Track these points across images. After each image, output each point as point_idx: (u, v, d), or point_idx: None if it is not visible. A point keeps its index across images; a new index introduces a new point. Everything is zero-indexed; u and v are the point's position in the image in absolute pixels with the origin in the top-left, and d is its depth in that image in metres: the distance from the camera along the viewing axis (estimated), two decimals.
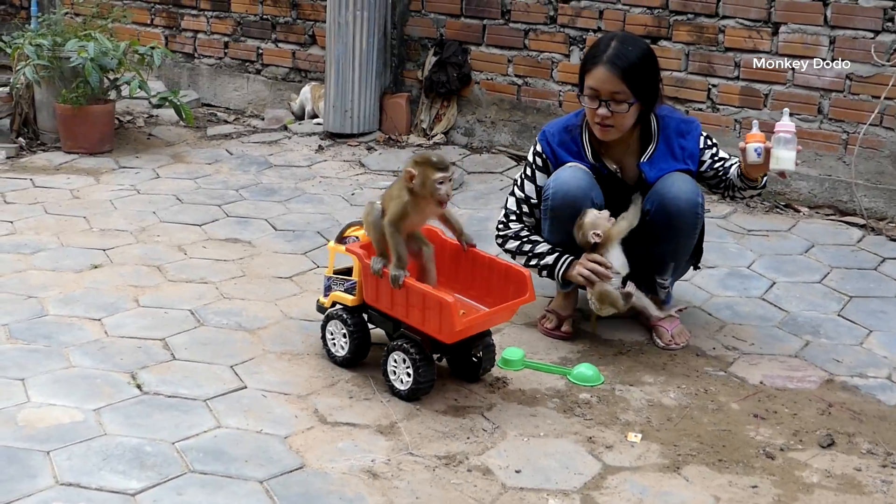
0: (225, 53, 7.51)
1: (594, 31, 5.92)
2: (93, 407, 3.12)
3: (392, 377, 3.33)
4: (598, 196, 3.70)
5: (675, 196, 3.65)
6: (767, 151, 3.49)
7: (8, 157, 6.13)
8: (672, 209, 3.66)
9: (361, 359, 3.49)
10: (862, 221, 5.27)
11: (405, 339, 3.30)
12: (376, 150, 6.45)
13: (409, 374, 3.27)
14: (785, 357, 3.80)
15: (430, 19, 6.54)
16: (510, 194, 3.91)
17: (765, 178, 3.74)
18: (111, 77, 6.34)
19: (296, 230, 4.96)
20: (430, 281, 3.37)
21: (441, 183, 3.21)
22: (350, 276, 3.49)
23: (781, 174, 3.60)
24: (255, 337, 3.72)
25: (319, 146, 6.50)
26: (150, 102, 7.00)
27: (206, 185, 5.70)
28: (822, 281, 4.54)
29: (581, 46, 5.99)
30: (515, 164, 6.17)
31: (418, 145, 6.49)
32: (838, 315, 4.16)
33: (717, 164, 3.77)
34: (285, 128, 6.92)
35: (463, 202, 5.47)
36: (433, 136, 6.57)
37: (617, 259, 3.65)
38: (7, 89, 6.55)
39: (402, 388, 3.30)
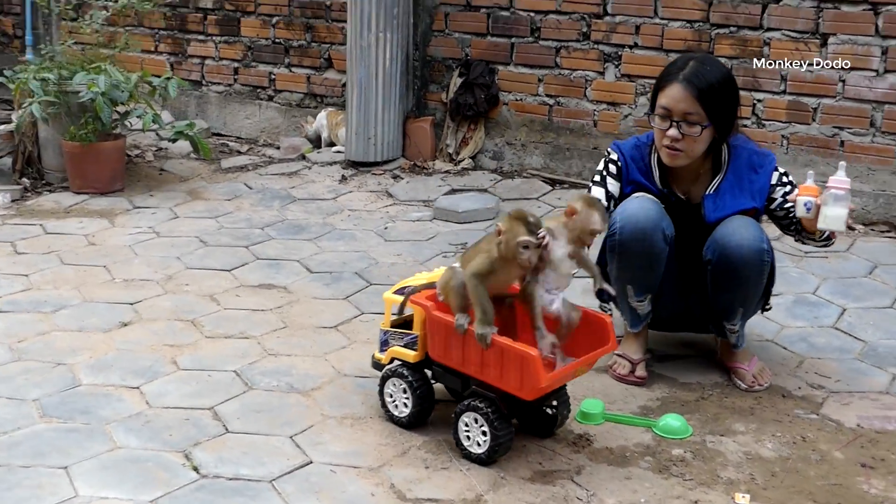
0: (235, 80, 7.21)
1: (630, 48, 5.64)
2: (149, 498, 2.79)
3: (466, 442, 3.03)
4: (668, 227, 3.43)
5: (737, 245, 3.36)
6: (818, 207, 3.24)
7: (13, 201, 5.80)
8: (736, 259, 3.37)
9: (426, 417, 3.20)
10: None
11: (478, 398, 3.00)
12: (402, 178, 6.14)
13: (485, 434, 2.97)
14: (876, 394, 3.54)
15: (455, 39, 6.25)
16: None
17: (826, 233, 3.44)
18: (120, 111, 6.01)
19: (332, 272, 4.65)
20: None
21: (526, 248, 2.90)
22: (409, 328, 3.18)
23: (831, 234, 3.40)
24: (311, 400, 3.41)
25: (343, 176, 6.19)
26: (157, 135, 6.68)
27: (228, 223, 5.38)
28: (894, 305, 4.27)
29: (616, 63, 5.71)
30: (551, 188, 5.88)
31: (446, 171, 6.20)
32: None
33: (789, 205, 3.44)
34: (303, 157, 6.61)
35: None
36: (460, 161, 6.28)
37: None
38: (9, 127, 6.23)
39: (479, 451, 3.00)
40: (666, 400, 3.47)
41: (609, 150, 3.61)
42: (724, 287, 3.44)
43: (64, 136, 5.87)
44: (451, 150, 6.32)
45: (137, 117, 6.04)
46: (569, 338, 3.05)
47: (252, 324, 4.04)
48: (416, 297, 3.13)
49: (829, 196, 3.22)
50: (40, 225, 5.35)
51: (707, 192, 3.48)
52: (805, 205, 3.27)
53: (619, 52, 5.69)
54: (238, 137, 7.21)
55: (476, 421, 2.99)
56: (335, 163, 6.42)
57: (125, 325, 4.02)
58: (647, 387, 3.56)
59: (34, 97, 5.71)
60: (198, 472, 2.93)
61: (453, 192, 5.84)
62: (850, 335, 4.00)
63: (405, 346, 3.20)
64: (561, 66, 5.91)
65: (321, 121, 6.69)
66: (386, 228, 5.30)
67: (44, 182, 6.17)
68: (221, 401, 3.38)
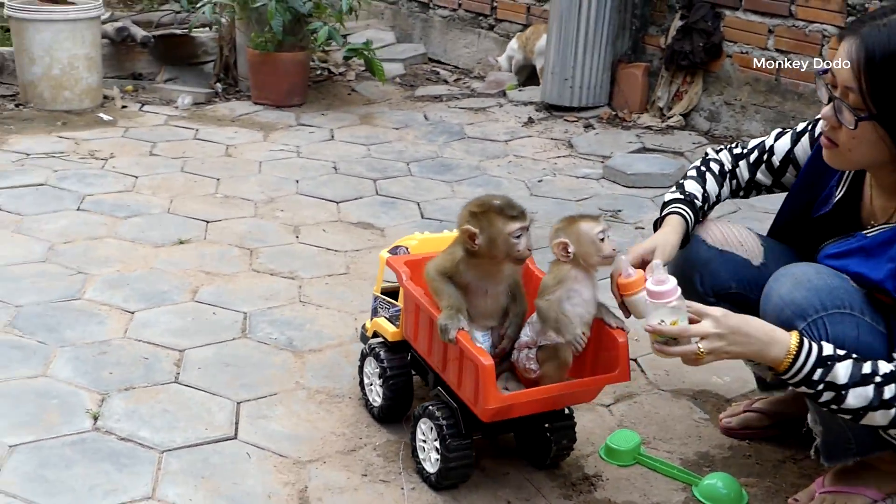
0: (459, 5, 6.66)
1: None
2: (15, 441, 2.37)
3: (421, 454, 2.36)
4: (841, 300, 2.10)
5: (773, 302, 2.10)
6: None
7: (195, 104, 5.64)
8: (770, 320, 2.07)
9: (400, 413, 2.55)
10: None
11: (438, 403, 2.31)
12: (595, 128, 5.34)
13: (437, 452, 2.28)
14: None
15: None
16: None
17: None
18: (308, 23, 5.65)
19: (444, 220, 4.02)
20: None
21: (518, 236, 2.17)
22: (398, 299, 2.53)
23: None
24: (299, 363, 2.85)
25: (530, 119, 5.49)
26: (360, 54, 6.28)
27: (377, 153, 4.89)
28: None
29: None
30: None
31: (647, 127, 5.32)
32: None
33: None
34: (504, 94, 5.97)
35: None
36: (669, 118, 5.37)
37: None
38: (215, 31, 6.09)
39: (432, 470, 2.31)
40: (736, 453, 2.58)
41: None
42: None
43: (248, 44, 5.62)
44: (661, 104, 5.42)
45: (344, 36, 5.67)
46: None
47: (311, 264, 3.53)
48: (393, 260, 2.47)
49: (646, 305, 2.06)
50: (196, 130, 5.13)
51: (841, 239, 2.19)
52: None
53: (867, 4, 4.52)
54: (455, 67, 6.68)
55: (431, 431, 2.31)
56: (531, 103, 5.73)
57: (182, 242, 3.65)
58: (730, 436, 2.66)
59: None
60: (94, 422, 2.47)
61: (643, 150, 4.98)
62: None
63: (389, 318, 2.56)
64: (796, 17, 4.81)
65: (511, 48, 6.01)
66: (540, 182, 4.57)
67: (237, 89, 5.98)
68: (199, 344, 2.90)
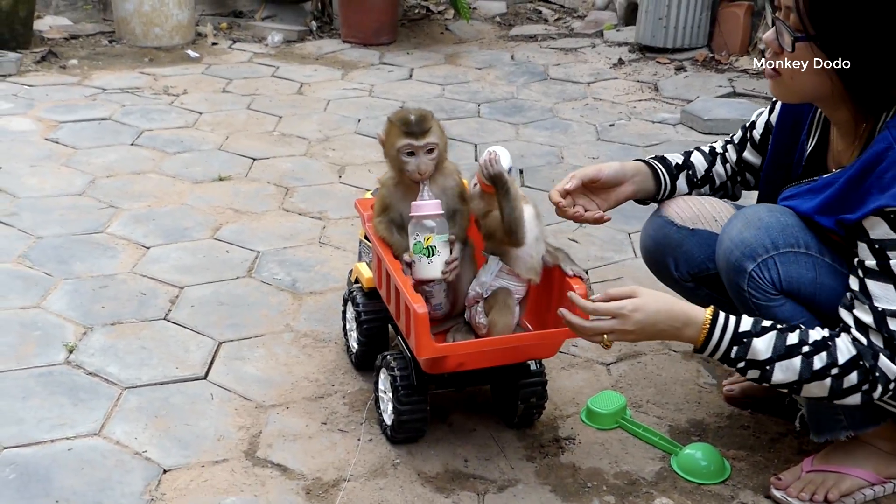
0: None
1: None
2: None
3: (381, 406, 2.26)
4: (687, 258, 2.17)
5: (723, 250, 1.96)
6: None
7: (286, 41, 5.62)
8: (721, 265, 1.98)
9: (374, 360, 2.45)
10: None
11: (395, 353, 2.20)
12: (686, 71, 5.04)
13: (391, 404, 2.18)
14: None
15: None
16: None
17: None
18: None
19: None
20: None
21: (410, 153, 2.04)
22: None
23: None
24: (296, 304, 2.79)
25: (620, 60, 5.22)
26: None
27: (450, 93, 4.75)
28: None
29: None
30: None
31: (743, 70, 4.98)
32: None
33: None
34: (601, 34, 5.70)
35: None
36: None
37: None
38: None
39: (388, 422, 2.22)
40: (733, 422, 2.36)
41: None
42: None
43: None
44: (762, 47, 5.05)
45: None
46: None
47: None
48: (361, 202, 2.36)
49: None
50: (277, 67, 5.12)
51: (799, 183, 1.99)
52: None
53: None
54: (560, 6, 6.43)
55: (387, 382, 2.21)
56: (626, 44, 5.45)
57: (221, 179, 3.64)
58: (728, 403, 2.45)
59: None
60: (67, 355, 2.47)
61: (732, 94, 4.66)
62: None
63: (369, 264, 2.46)
64: None
65: None
66: (612, 126, 4.34)
67: (331, 27, 5.93)
68: (201, 282, 2.88)
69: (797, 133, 2.07)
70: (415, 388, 2.15)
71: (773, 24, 1.87)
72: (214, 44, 5.51)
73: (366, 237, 2.52)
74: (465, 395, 2.37)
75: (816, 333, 1.80)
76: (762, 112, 2.27)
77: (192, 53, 5.29)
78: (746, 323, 1.83)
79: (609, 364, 2.58)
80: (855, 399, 1.82)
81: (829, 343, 1.80)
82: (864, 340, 1.79)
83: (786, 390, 1.86)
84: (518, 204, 2.05)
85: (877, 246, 1.76)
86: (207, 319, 2.68)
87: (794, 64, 1.83)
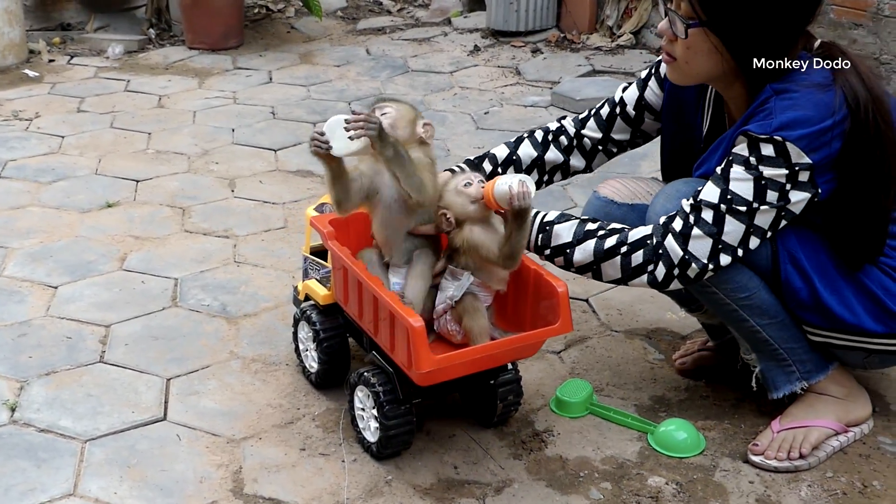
0: None
1: None
2: None
3: (360, 423, 2.23)
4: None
5: (653, 219, 2.13)
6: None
7: (127, 52, 5.39)
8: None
9: (340, 376, 2.41)
10: None
11: (374, 369, 2.17)
12: (543, 53, 5.15)
13: (375, 420, 2.15)
14: None
15: None
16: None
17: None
18: None
19: None
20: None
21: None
22: (328, 260, 2.38)
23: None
24: (233, 330, 2.71)
25: (475, 47, 5.29)
26: None
27: (317, 94, 4.69)
28: None
29: None
30: None
31: (597, 48, 5.13)
32: None
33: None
34: (449, 21, 5.75)
35: None
36: (619, 37, 5.18)
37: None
38: None
39: (372, 439, 2.19)
40: (693, 393, 2.46)
41: None
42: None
43: None
44: (610, 23, 5.23)
45: None
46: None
47: (247, 220, 3.37)
48: (317, 220, 2.31)
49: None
50: (128, 81, 4.90)
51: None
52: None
53: None
54: None
55: (368, 399, 2.18)
56: (477, 30, 5.52)
57: (110, 206, 3.47)
58: (682, 375, 2.55)
59: None
60: (11, 414, 2.32)
61: (593, 73, 4.80)
62: None
63: (320, 280, 2.41)
64: None
65: None
66: (486, 113, 4.40)
67: (171, 34, 5.73)
68: (127, 318, 2.75)
69: (687, 116, 2.25)
70: (400, 402, 2.13)
71: (666, 14, 2.04)
72: (52, 60, 5.23)
73: (312, 253, 2.47)
74: (434, 402, 2.37)
75: (615, 226, 2.09)
76: (627, 88, 2.41)
77: (30, 73, 5.00)
78: (551, 215, 2.14)
79: (559, 352, 2.63)
80: (643, 280, 2.05)
81: (624, 228, 2.05)
82: (662, 222, 2.02)
83: (589, 275, 2.12)
84: (528, 233, 2.07)
85: (729, 158, 1.98)
86: (146, 356, 2.57)
87: (688, 49, 2.01)
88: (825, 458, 2.20)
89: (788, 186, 1.94)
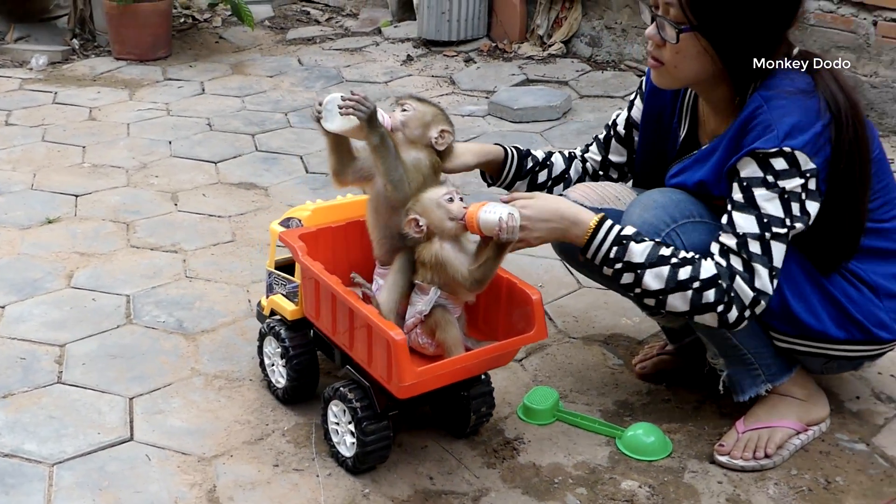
0: None
1: None
2: None
3: (335, 437, 2.22)
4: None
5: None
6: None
7: (51, 63, 5.27)
8: None
9: (307, 393, 2.40)
10: None
11: (349, 383, 2.17)
12: (475, 62, 5.20)
13: (352, 435, 2.15)
14: None
15: None
16: None
17: None
18: None
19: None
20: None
21: None
22: (293, 274, 2.37)
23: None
24: (192, 346, 2.67)
25: (409, 56, 5.31)
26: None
27: (252, 105, 4.65)
28: None
29: None
30: None
31: (529, 57, 5.20)
32: None
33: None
34: (379, 31, 5.76)
35: (561, 138, 4.19)
36: (550, 46, 5.25)
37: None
38: None
39: (348, 454, 2.18)
40: (655, 398, 2.51)
41: None
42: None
43: None
44: (541, 32, 5.30)
45: None
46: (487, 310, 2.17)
47: (194, 234, 3.33)
48: (287, 235, 2.30)
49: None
50: (55, 93, 4.80)
51: (686, 158, 2.22)
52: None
53: None
54: (325, 5, 6.42)
55: (344, 413, 2.17)
56: (408, 40, 5.54)
57: (51, 221, 3.39)
58: (643, 379, 2.59)
59: None
60: None
61: (527, 82, 4.86)
62: None
63: (286, 296, 2.40)
64: None
65: None
66: None
67: (95, 44, 5.62)
68: (81, 336, 2.69)
69: (665, 121, 2.30)
70: (378, 416, 2.14)
71: (654, 20, 2.08)
72: None
73: (277, 267, 2.46)
74: (406, 414, 2.37)
75: (687, 253, 2.04)
76: (620, 112, 2.49)
77: None
78: (628, 230, 2.06)
79: (521, 360, 2.66)
80: (712, 318, 2.04)
81: (696, 260, 2.02)
82: (724, 263, 2.01)
83: (652, 302, 2.06)
84: (501, 263, 2.08)
85: (745, 183, 2.00)
86: (106, 376, 2.52)
87: (677, 53, 2.05)
88: (788, 456, 2.27)
89: (804, 196, 1.98)
